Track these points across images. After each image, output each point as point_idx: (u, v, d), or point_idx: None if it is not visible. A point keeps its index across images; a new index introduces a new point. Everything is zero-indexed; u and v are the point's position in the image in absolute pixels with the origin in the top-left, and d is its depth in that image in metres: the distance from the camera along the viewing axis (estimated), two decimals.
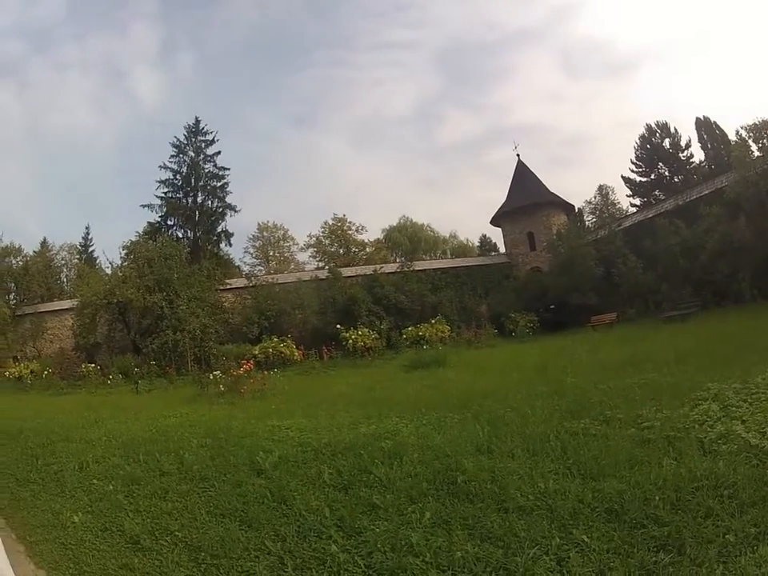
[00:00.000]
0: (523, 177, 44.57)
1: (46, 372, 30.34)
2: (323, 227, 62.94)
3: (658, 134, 62.76)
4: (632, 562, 3.79)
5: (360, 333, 29.32)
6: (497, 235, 54.38)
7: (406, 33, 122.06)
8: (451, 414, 9.16)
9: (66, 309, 39.67)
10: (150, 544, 5.23)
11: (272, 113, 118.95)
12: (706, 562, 3.67)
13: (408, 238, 72.51)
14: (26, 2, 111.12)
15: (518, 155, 45.91)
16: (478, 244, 71.57)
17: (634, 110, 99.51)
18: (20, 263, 45.43)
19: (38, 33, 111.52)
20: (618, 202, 61.82)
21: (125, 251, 35.78)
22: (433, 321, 31.39)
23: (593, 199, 63.12)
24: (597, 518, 4.54)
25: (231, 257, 55.50)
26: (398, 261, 51.42)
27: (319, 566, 4.32)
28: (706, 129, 59.92)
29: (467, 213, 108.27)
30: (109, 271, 37.38)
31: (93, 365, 29.94)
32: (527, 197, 42.09)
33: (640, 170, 63.96)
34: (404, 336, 29.72)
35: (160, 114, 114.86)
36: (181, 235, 48.56)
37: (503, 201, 45.30)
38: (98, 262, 55.85)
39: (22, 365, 33.70)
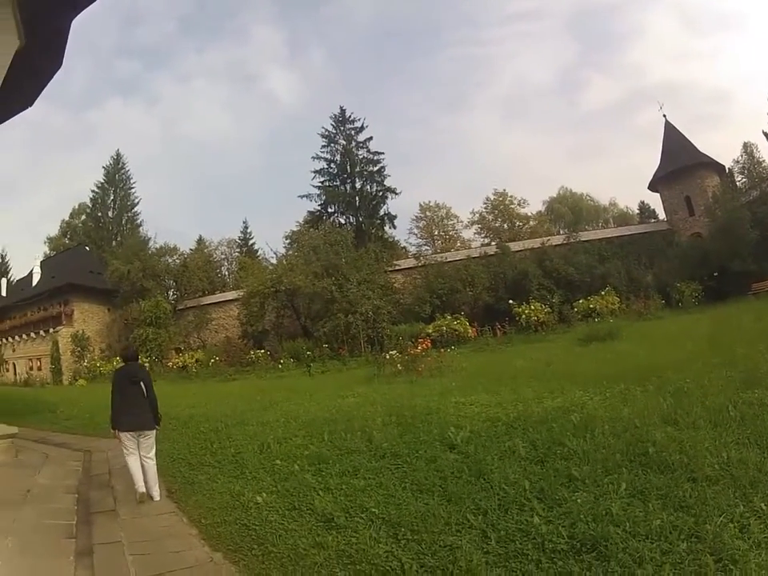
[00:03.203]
0: (672, 138, 42.16)
1: (212, 360, 33.43)
2: (485, 203, 63.30)
3: None
4: None
5: (532, 307, 29.40)
6: (655, 201, 51.27)
7: (527, 3, 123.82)
8: (633, 386, 9.32)
9: (231, 300, 43.32)
10: (344, 521, 5.39)
11: (419, 97, 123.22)
12: None
13: (570, 209, 71.85)
14: (128, 23, 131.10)
15: (664, 116, 43.78)
16: (637, 211, 67.64)
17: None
18: (177, 261, 48.97)
19: (149, 50, 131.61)
20: (764, 160, 55.21)
21: (288, 240, 38.63)
22: (602, 293, 30.61)
23: (739, 158, 56.81)
24: None
25: (396, 239, 57.62)
26: (562, 232, 50.22)
27: (523, 537, 4.45)
28: None
29: (623, 179, 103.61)
30: (273, 261, 40.10)
31: (262, 351, 32.35)
32: (679, 159, 39.98)
33: None
34: (575, 309, 29.99)
35: (300, 110, 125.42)
36: (343, 221, 51.65)
37: (657, 165, 42.46)
38: (259, 253, 60.65)
39: (186, 355, 37.40)
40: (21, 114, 14.69)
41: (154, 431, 7.74)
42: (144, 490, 7.36)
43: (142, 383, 7.70)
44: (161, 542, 5.77)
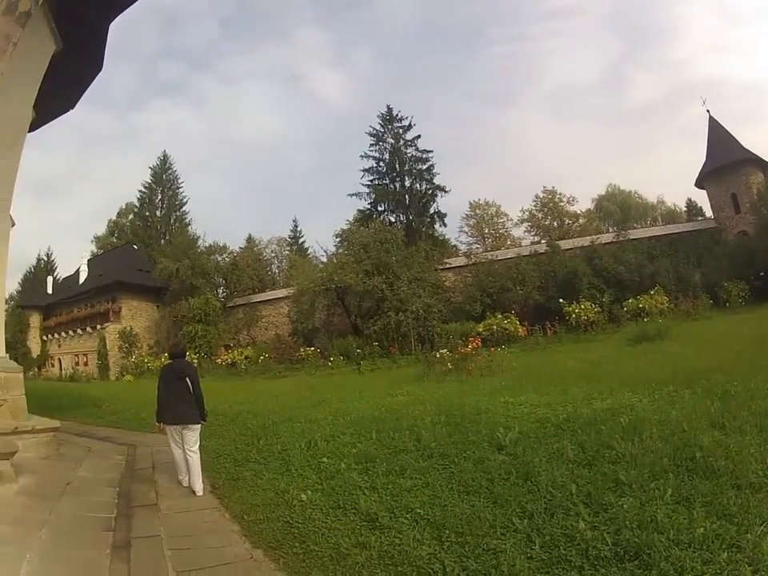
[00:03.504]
0: (717, 134, 40.52)
1: (261, 357, 33.86)
2: (535, 200, 62.39)
3: None
4: None
5: (582, 307, 29.02)
6: (702, 198, 49.99)
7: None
8: (681, 389, 9.27)
9: (281, 297, 43.81)
10: (388, 522, 5.39)
11: (465, 95, 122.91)
12: None
13: (618, 207, 70.80)
14: (169, 26, 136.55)
15: (708, 111, 42.11)
16: (685, 209, 66.20)
17: None
18: (227, 259, 49.64)
19: (192, 52, 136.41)
20: None
21: (338, 239, 38.66)
22: (651, 292, 29.97)
23: None
24: None
25: (447, 237, 57.33)
26: (611, 230, 49.44)
27: (567, 543, 4.40)
28: None
29: (670, 176, 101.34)
30: (324, 259, 40.14)
31: (312, 348, 32.65)
32: (724, 155, 38.35)
33: None
34: (624, 309, 29.38)
35: (347, 109, 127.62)
36: (393, 219, 51.47)
37: (703, 162, 41.37)
38: (309, 251, 62.11)
39: (236, 351, 37.90)
40: (65, 115, 15.08)
41: (199, 426, 7.81)
42: (187, 483, 7.60)
43: (188, 379, 7.79)
44: (201, 537, 5.74)
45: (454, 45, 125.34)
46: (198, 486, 7.42)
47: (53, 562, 4.79)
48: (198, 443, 7.72)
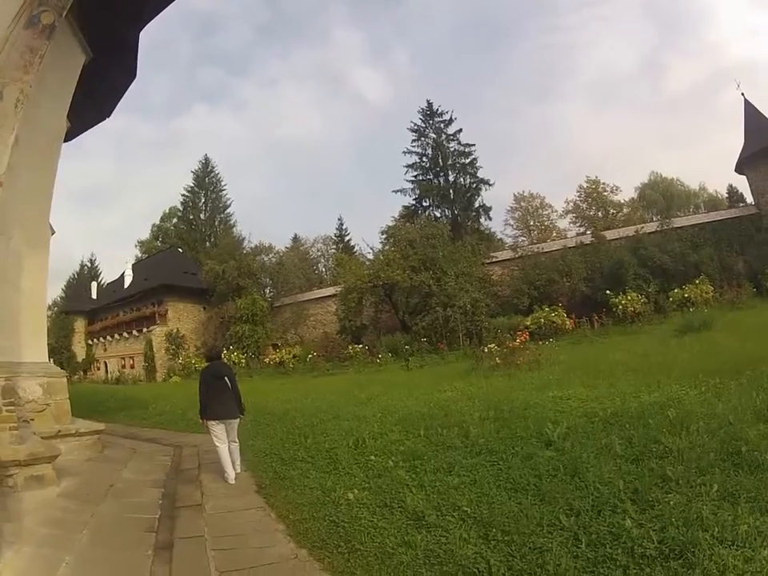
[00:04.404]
0: (753, 118, 39.10)
1: (309, 356, 34.06)
2: (578, 191, 61.84)
3: None
4: None
5: (629, 297, 28.52)
6: (742, 184, 48.52)
7: None
8: (728, 380, 9.12)
9: (328, 296, 44.25)
10: (435, 520, 5.38)
11: (505, 87, 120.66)
12: None
13: (661, 195, 69.26)
14: (205, 33, 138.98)
15: (742, 95, 40.60)
16: (726, 195, 64.52)
17: None
18: (273, 259, 49.88)
19: (229, 57, 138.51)
20: None
21: (384, 235, 39.09)
22: (696, 281, 29.24)
23: None
24: None
25: (492, 230, 57.50)
26: (655, 219, 48.43)
27: (613, 541, 4.37)
28: None
29: (711, 162, 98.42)
30: (370, 256, 40.61)
31: (360, 346, 32.78)
32: (761, 139, 36.84)
33: None
34: (670, 299, 28.84)
35: (388, 106, 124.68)
36: (438, 214, 52.05)
37: (741, 146, 40.10)
38: (355, 249, 61.55)
39: (284, 350, 38.21)
40: (107, 124, 15.50)
41: (238, 419, 8.79)
42: (233, 480, 8.22)
43: (226, 378, 8.70)
44: (245, 537, 5.78)
45: (489, 38, 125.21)
46: (237, 465, 8.58)
47: (91, 563, 4.85)
48: (236, 433, 8.74)
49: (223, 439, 8.38)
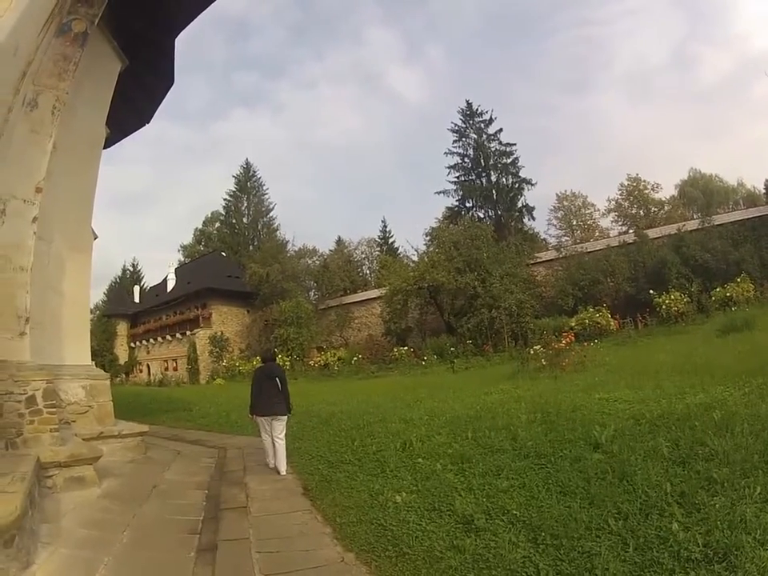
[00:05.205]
0: None
1: (354, 358, 34.43)
2: (620, 189, 61.12)
3: None
4: None
5: (672, 297, 28.07)
6: None
7: None
8: None
9: (373, 298, 44.28)
10: (484, 524, 5.37)
11: (540, 83, 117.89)
12: None
13: (701, 192, 67.33)
14: (239, 38, 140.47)
15: None
16: (764, 190, 63.00)
17: None
18: (317, 262, 50.06)
19: (264, 61, 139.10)
20: None
21: (428, 237, 39.70)
22: (738, 280, 28.49)
23: None
24: None
25: (536, 230, 57.07)
26: (695, 217, 47.30)
27: (660, 545, 4.36)
28: None
29: (748, 156, 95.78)
30: (415, 258, 40.62)
31: (405, 348, 32.86)
32: None
33: None
34: (712, 298, 28.17)
35: (426, 106, 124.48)
36: (482, 215, 51.89)
37: None
38: (399, 251, 61.70)
39: (328, 353, 38.58)
40: (147, 130, 15.90)
41: (286, 417, 9.40)
42: (273, 464, 9.17)
43: (277, 379, 9.41)
44: (291, 540, 5.77)
45: (521, 34, 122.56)
46: (282, 467, 8.97)
47: (131, 565, 4.88)
48: (284, 432, 9.26)
49: (268, 433, 9.19)
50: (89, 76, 10.20)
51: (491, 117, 53.37)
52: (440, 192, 53.22)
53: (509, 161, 52.58)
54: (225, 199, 76.58)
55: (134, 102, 13.63)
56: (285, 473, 8.86)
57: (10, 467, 5.54)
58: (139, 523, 6.01)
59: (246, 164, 78.01)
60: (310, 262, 50.37)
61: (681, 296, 27.99)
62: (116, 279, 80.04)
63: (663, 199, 60.44)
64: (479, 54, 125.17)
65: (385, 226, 71.68)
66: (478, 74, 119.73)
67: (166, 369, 52.50)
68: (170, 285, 58.57)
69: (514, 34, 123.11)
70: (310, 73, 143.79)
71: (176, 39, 12.69)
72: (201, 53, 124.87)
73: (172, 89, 14.31)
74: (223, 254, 63.92)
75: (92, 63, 10.10)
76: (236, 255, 64.92)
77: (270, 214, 76.53)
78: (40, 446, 6.91)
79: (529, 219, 53.54)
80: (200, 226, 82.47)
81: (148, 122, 15.33)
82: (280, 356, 37.36)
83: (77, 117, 10.20)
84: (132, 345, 59.65)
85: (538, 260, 38.82)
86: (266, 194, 77.48)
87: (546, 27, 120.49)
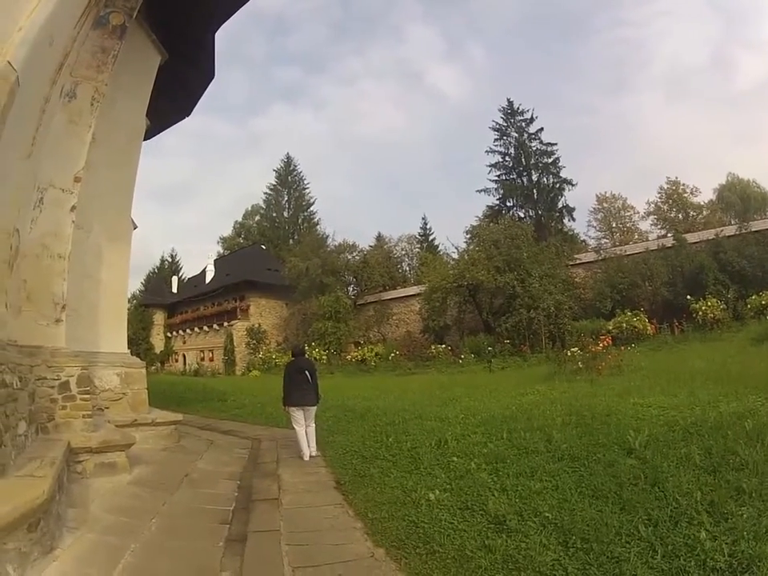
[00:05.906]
0: None
1: (392, 354, 34.47)
2: (659, 192, 60.43)
3: None
4: None
5: (709, 304, 27.52)
6: None
7: None
8: None
9: (412, 295, 44.17)
10: (515, 525, 5.38)
11: (580, 83, 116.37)
12: None
13: (738, 197, 65.87)
14: (280, 34, 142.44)
15: None
16: None
17: None
18: (357, 258, 50.39)
19: (306, 57, 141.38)
20: None
21: (468, 235, 39.45)
22: None
23: None
24: None
25: (576, 231, 56.76)
26: (733, 222, 46.39)
27: (687, 553, 4.37)
28: None
29: None
30: (455, 256, 40.57)
31: (443, 346, 32.78)
32: None
33: None
34: (747, 305, 27.49)
35: (468, 104, 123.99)
36: (522, 215, 51.88)
37: None
38: (439, 249, 61.89)
39: (366, 348, 38.64)
40: (188, 123, 16.13)
41: (315, 407, 10.16)
42: (308, 457, 9.58)
43: (307, 372, 10.09)
44: (321, 533, 5.78)
45: (560, 34, 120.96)
46: (313, 447, 9.88)
47: (158, 552, 4.91)
48: (313, 418, 10.10)
49: (301, 423, 9.79)
50: (128, 68, 10.41)
51: (532, 116, 53.39)
52: (481, 190, 53.47)
53: (550, 160, 52.57)
54: (265, 193, 78.32)
55: (175, 95, 13.87)
56: (315, 453, 9.80)
57: (40, 451, 5.67)
58: (169, 511, 6.08)
59: (287, 158, 79.27)
60: (350, 257, 50.23)
61: (717, 302, 27.59)
62: (154, 269, 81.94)
63: (702, 203, 60.02)
64: (518, 52, 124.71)
65: (425, 223, 71.78)
66: (519, 73, 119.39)
67: (202, 359, 53.35)
68: (209, 276, 59.67)
69: (552, 35, 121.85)
70: (352, 68, 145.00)
71: (215, 34, 12.89)
72: (241, 48, 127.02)
73: (213, 82, 14.55)
74: (263, 246, 64.78)
75: (132, 56, 10.34)
76: (275, 249, 65.94)
77: (311, 209, 77.42)
78: (71, 432, 7.07)
79: (569, 220, 53.40)
80: (240, 219, 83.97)
81: (188, 115, 15.62)
82: (317, 350, 37.83)
83: (116, 108, 10.44)
84: (168, 334, 61.01)
85: (578, 261, 38.45)
86: (307, 188, 78.57)
87: (583, 28, 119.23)
